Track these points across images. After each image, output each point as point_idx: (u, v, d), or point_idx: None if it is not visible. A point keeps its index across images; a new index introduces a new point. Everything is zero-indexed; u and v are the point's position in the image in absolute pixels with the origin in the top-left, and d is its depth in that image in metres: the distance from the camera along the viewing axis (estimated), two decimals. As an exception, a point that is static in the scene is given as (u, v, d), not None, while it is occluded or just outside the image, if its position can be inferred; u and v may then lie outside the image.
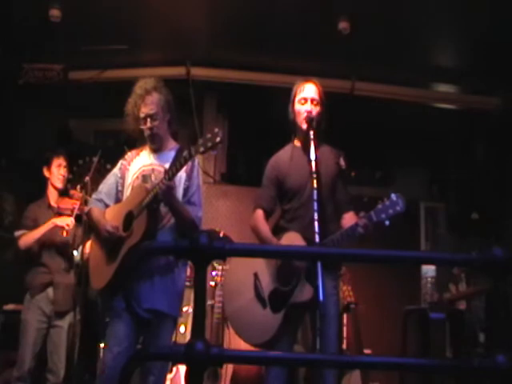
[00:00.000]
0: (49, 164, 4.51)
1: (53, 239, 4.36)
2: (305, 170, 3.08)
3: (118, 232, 3.07)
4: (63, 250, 4.39)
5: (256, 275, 3.16)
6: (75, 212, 4.41)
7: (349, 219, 3.12)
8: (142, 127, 3.19)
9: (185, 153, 3.03)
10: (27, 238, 4.36)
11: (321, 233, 2.88)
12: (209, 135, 2.92)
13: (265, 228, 3.21)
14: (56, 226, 4.30)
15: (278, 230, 3.21)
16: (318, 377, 3.04)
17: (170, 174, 2.99)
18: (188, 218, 3.08)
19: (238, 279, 3.24)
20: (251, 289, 3.15)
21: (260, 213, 3.26)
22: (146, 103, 3.15)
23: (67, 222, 4.30)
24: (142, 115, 3.16)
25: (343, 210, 3.19)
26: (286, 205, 3.24)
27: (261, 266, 3.15)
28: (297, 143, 3.30)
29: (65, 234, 4.29)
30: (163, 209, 3.08)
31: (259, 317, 3.09)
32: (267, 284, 3.11)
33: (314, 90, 3.24)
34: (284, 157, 3.30)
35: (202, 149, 2.91)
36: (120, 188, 3.25)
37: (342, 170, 3.23)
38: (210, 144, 2.89)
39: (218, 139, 2.88)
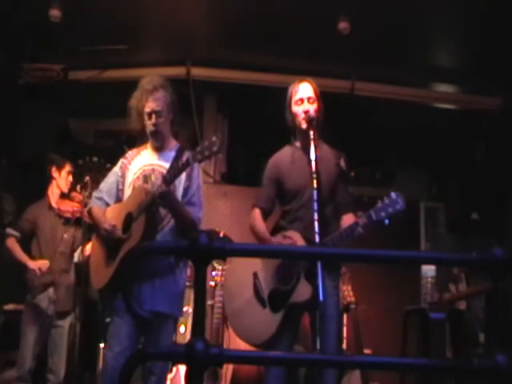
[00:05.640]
0: (60, 166, 4.53)
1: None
2: (305, 171, 3.06)
3: (116, 231, 3.07)
4: (40, 285, 4.38)
5: (256, 275, 3.15)
6: (75, 215, 4.43)
7: (347, 220, 3.11)
8: (146, 123, 3.18)
9: (183, 157, 3.04)
10: (11, 247, 4.42)
11: (321, 233, 2.87)
12: (207, 143, 2.92)
13: (261, 227, 3.22)
14: (27, 269, 4.31)
15: (278, 231, 3.21)
16: (318, 377, 3.03)
17: (168, 178, 2.99)
18: (188, 219, 3.08)
19: (238, 279, 3.24)
20: (251, 289, 3.15)
21: (257, 212, 3.26)
22: (154, 99, 3.14)
23: (40, 265, 4.30)
24: (147, 110, 3.15)
25: (343, 211, 3.18)
26: (286, 206, 3.24)
27: (260, 266, 3.15)
28: (297, 144, 3.29)
29: (38, 274, 4.27)
30: (163, 210, 3.08)
31: (259, 317, 3.08)
32: (267, 284, 3.11)
33: (309, 88, 3.22)
34: (284, 157, 3.29)
35: (199, 157, 2.91)
36: (121, 187, 3.25)
37: (342, 171, 3.21)
38: (207, 153, 2.90)
39: (215, 148, 2.88)
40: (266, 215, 3.28)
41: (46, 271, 4.31)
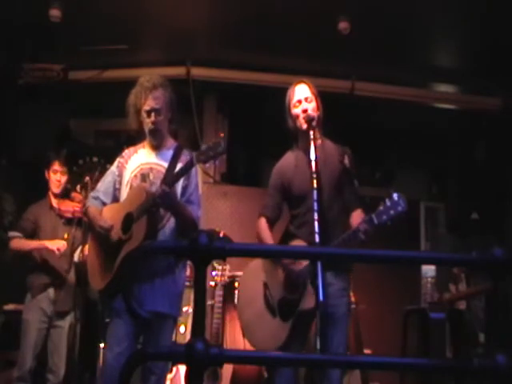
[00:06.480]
0: (48, 167, 4.52)
1: (49, 258, 4.34)
2: (308, 174, 3.02)
3: (113, 230, 3.06)
4: (60, 266, 4.37)
5: (266, 285, 3.16)
6: (76, 216, 4.41)
7: (356, 217, 3.07)
8: (145, 121, 3.18)
9: (183, 156, 3.04)
10: (18, 244, 4.38)
11: (325, 234, 2.85)
12: (211, 144, 2.92)
13: (267, 237, 3.21)
14: (46, 249, 4.28)
15: (287, 236, 3.20)
16: (320, 378, 3.03)
17: (170, 179, 2.99)
18: (189, 219, 3.07)
19: (250, 290, 3.24)
20: (261, 298, 3.15)
21: (263, 221, 3.25)
22: (153, 97, 3.13)
23: (58, 245, 4.28)
24: (147, 108, 3.14)
25: (351, 209, 3.15)
26: (294, 210, 3.22)
27: (270, 276, 3.15)
28: (299, 147, 3.27)
29: (57, 254, 4.26)
30: (162, 209, 3.07)
31: (270, 325, 3.08)
32: (276, 293, 3.11)
33: (305, 88, 3.21)
34: (288, 163, 3.27)
35: (203, 157, 2.92)
36: (117, 186, 3.24)
37: (346, 169, 3.18)
38: (211, 153, 2.91)
39: (219, 149, 2.89)
40: (272, 223, 3.27)
41: (64, 251, 4.28)
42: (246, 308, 3.25)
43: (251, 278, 3.27)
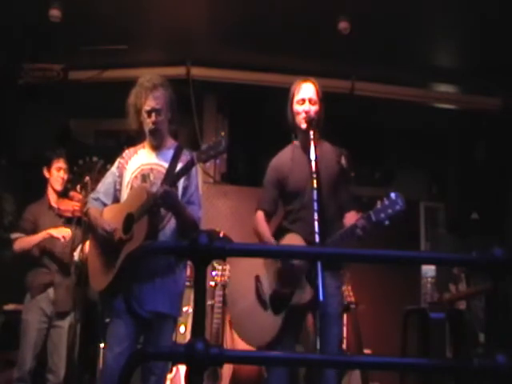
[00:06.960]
0: (49, 165, 4.51)
1: (52, 247, 4.35)
2: (306, 171, 3.05)
3: (117, 233, 3.06)
4: (63, 255, 4.38)
5: (258, 278, 3.16)
6: (76, 215, 4.41)
7: (349, 218, 3.09)
8: (145, 121, 3.18)
9: (183, 156, 3.04)
10: (22, 243, 4.37)
11: (322, 233, 2.86)
12: (212, 143, 2.92)
13: (265, 230, 3.21)
14: (52, 237, 4.28)
15: (280, 232, 3.20)
16: (318, 377, 3.03)
17: (170, 181, 2.98)
18: (190, 219, 3.07)
19: (241, 283, 3.24)
20: (253, 291, 3.15)
21: (261, 214, 3.26)
22: (154, 97, 3.13)
23: (63, 233, 4.28)
24: (147, 108, 3.14)
25: (346, 210, 3.17)
26: (288, 206, 3.23)
27: (262, 269, 3.14)
28: (297, 144, 3.29)
29: (63, 241, 4.27)
30: (163, 209, 3.07)
31: (260, 319, 3.08)
32: (268, 286, 3.11)
33: (312, 89, 3.22)
34: (285, 158, 3.28)
35: (204, 156, 2.92)
36: (118, 187, 3.24)
37: (343, 169, 3.20)
38: (212, 152, 2.90)
39: (221, 148, 2.89)
40: (269, 217, 3.28)
41: (70, 239, 4.29)
42: (236, 301, 3.25)
43: (243, 271, 3.27)
